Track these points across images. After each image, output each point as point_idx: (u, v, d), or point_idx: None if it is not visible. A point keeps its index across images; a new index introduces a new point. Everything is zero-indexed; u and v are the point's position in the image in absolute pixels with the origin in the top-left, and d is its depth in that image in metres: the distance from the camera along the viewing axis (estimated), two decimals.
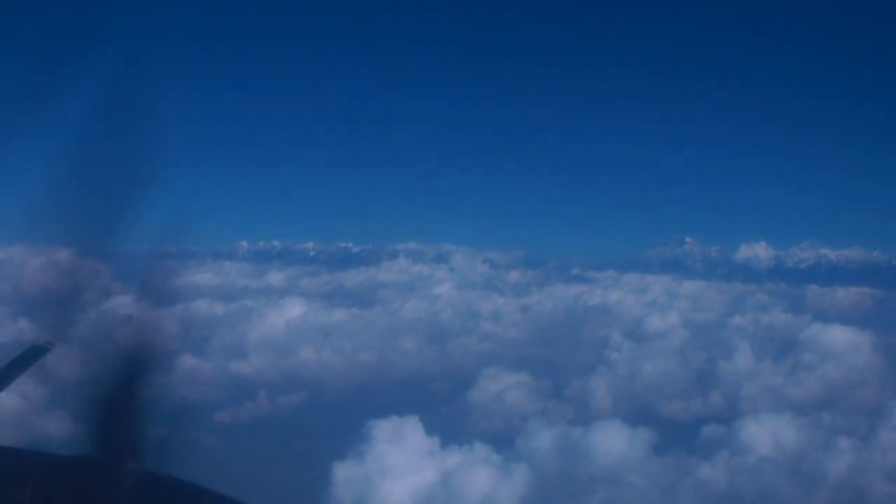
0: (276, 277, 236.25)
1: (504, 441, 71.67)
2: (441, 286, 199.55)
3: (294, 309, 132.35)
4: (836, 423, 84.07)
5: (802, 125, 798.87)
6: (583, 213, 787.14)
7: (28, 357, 6.25)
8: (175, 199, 3.94)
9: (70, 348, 4.20)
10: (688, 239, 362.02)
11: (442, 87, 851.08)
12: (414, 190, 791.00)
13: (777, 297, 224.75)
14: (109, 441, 3.65)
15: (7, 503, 3.58)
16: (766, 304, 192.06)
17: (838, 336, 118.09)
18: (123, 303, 3.88)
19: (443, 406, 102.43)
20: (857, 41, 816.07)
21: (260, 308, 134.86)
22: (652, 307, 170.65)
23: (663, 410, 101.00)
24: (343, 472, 60.12)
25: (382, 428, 63.37)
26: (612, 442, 67.48)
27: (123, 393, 3.67)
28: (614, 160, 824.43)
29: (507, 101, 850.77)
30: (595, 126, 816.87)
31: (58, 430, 4.02)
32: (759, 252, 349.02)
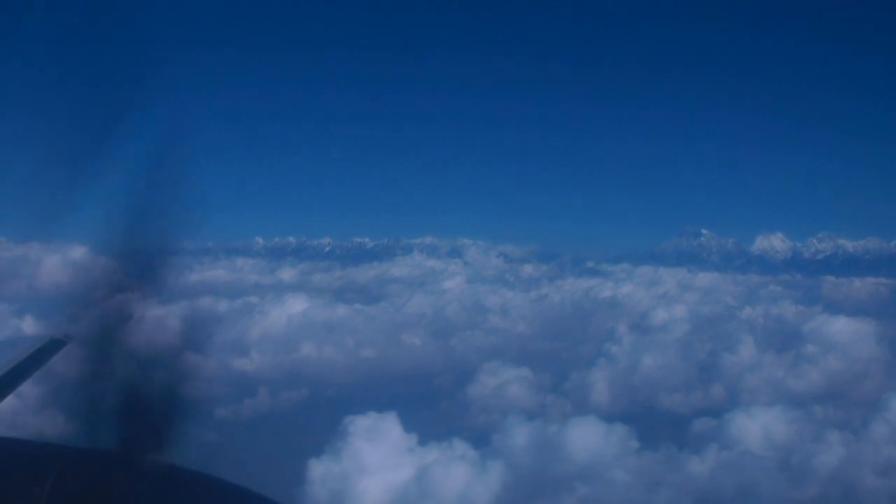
0: (287, 273, 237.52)
1: (496, 436, 71.38)
2: (451, 280, 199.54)
3: (296, 305, 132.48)
4: (831, 416, 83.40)
5: (820, 117, 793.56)
6: (599, 207, 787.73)
7: (46, 351, 6.44)
8: (191, 195, 3.93)
9: (84, 345, 4.23)
10: (703, 231, 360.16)
11: (461, 84, 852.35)
12: (431, 185, 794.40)
13: (792, 288, 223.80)
14: (128, 434, 3.67)
15: (27, 496, 3.59)
16: (779, 296, 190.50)
17: (843, 327, 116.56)
18: (135, 300, 3.90)
19: (443, 401, 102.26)
20: (874, 33, 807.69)
21: (263, 304, 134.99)
22: (662, 300, 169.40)
23: (660, 404, 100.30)
24: (318, 470, 60.10)
25: (359, 425, 63.29)
26: (595, 438, 66.94)
27: (140, 387, 3.70)
28: (632, 154, 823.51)
29: (525, 97, 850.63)
30: (613, 120, 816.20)
31: (64, 427, 4.02)
32: (775, 243, 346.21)
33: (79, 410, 3.82)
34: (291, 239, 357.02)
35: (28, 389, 6.09)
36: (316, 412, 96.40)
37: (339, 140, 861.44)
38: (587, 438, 66.07)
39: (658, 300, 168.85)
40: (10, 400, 5.90)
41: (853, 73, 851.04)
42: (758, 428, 73.40)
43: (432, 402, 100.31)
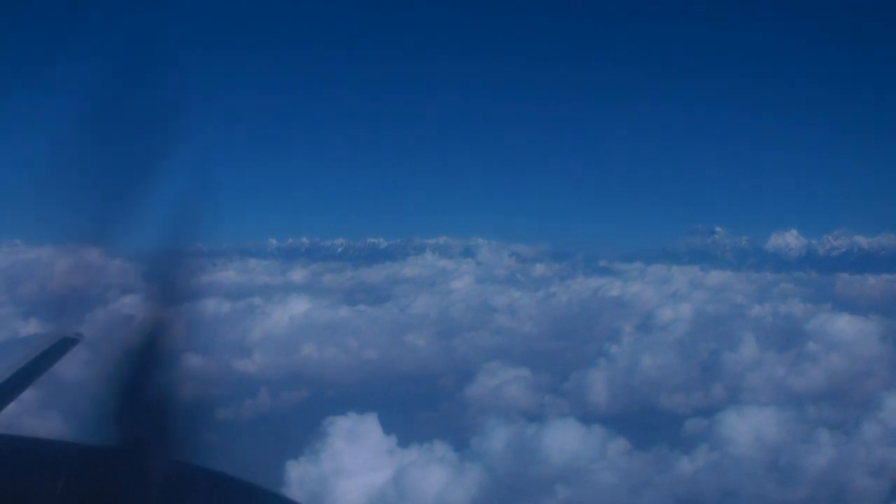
0: (298, 274, 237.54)
1: (476, 438, 71.10)
2: (459, 280, 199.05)
3: (299, 306, 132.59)
4: (826, 416, 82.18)
5: (835, 113, 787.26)
6: (614, 205, 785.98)
7: (58, 349, 6.63)
8: (204, 196, 4.01)
9: (91, 346, 4.45)
10: (717, 228, 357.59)
11: (476, 84, 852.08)
12: (445, 185, 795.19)
13: (805, 286, 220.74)
14: (137, 433, 3.74)
15: (40, 493, 3.68)
16: (790, 294, 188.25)
17: (845, 325, 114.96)
18: (144, 300, 3.97)
19: (441, 402, 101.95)
20: (889, 30, 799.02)
21: (266, 305, 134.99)
22: (672, 298, 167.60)
23: (658, 403, 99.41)
24: (295, 471, 60.17)
25: (339, 426, 63.30)
26: (578, 440, 66.60)
27: (146, 387, 3.77)
28: (646, 152, 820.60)
29: (540, 96, 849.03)
30: (628, 119, 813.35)
31: (66, 426, 4.14)
32: (789, 241, 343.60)
33: (86, 410, 3.86)
34: (305, 240, 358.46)
35: (29, 389, 6.14)
36: (315, 413, 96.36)
37: (355, 141, 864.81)
38: (571, 440, 65.70)
39: (667, 299, 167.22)
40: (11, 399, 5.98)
41: (868, 70, 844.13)
42: (750, 428, 72.75)
43: (430, 403, 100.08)
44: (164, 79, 4.09)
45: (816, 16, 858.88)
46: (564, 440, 65.54)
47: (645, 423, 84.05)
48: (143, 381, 3.75)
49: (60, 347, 6.55)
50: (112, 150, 3.90)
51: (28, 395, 5.96)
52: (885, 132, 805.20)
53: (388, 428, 66.39)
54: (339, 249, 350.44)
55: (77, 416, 3.96)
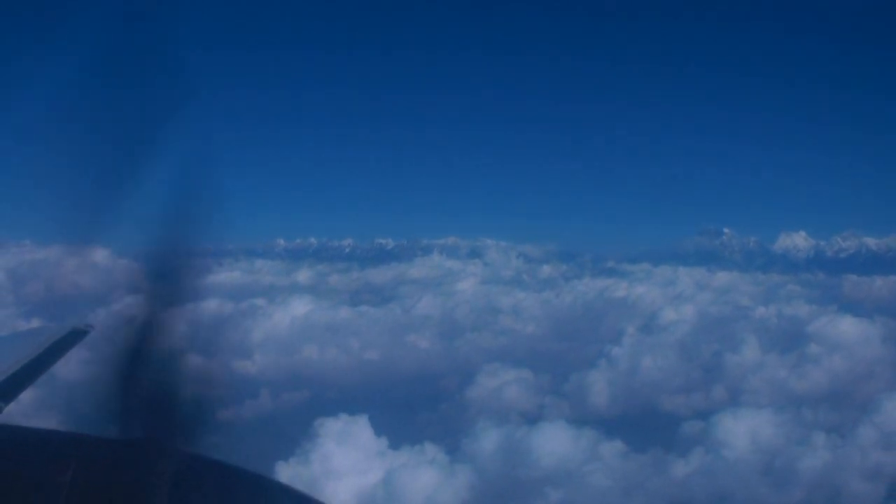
0: (304, 275, 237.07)
1: (467, 440, 70.93)
2: (465, 281, 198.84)
3: (300, 307, 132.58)
4: (824, 418, 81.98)
5: (844, 114, 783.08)
6: (622, 206, 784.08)
7: (68, 340, 6.68)
8: (212, 197, 4.02)
9: (98, 343, 4.46)
10: (725, 230, 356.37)
11: (486, 84, 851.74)
12: (454, 186, 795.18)
13: (811, 287, 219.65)
14: (149, 424, 3.78)
15: (49, 485, 3.68)
16: (796, 295, 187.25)
17: (848, 327, 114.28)
18: (150, 301, 4.01)
19: (440, 403, 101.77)
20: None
21: (269, 306, 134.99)
22: (676, 300, 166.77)
23: (658, 405, 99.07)
24: (285, 473, 60.13)
25: (330, 428, 63.29)
26: (570, 442, 66.40)
27: (155, 383, 3.80)
28: (655, 153, 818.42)
29: (551, 96, 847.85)
30: (638, 119, 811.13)
31: (69, 422, 4.18)
32: (798, 242, 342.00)
33: (88, 408, 3.89)
34: (313, 240, 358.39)
35: (30, 387, 6.11)
36: (316, 414, 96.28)
37: (364, 141, 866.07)
38: (563, 443, 65.47)
39: (672, 300, 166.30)
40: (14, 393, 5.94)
41: (877, 70, 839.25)
42: (746, 431, 72.41)
43: (430, 404, 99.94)
44: (158, 72, 4.10)
45: (825, 15, 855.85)
46: (556, 443, 65.39)
47: (643, 424, 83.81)
48: (147, 379, 3.77)
49: (70, 339, 6.59)
50: (108, 143, 3.90)
51: (29, 392, 5.95)
52: (894, 132, 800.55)
53: (385, 429, 66.44)
54: (347, 250, 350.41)
55: (79, 413, 3.99)
